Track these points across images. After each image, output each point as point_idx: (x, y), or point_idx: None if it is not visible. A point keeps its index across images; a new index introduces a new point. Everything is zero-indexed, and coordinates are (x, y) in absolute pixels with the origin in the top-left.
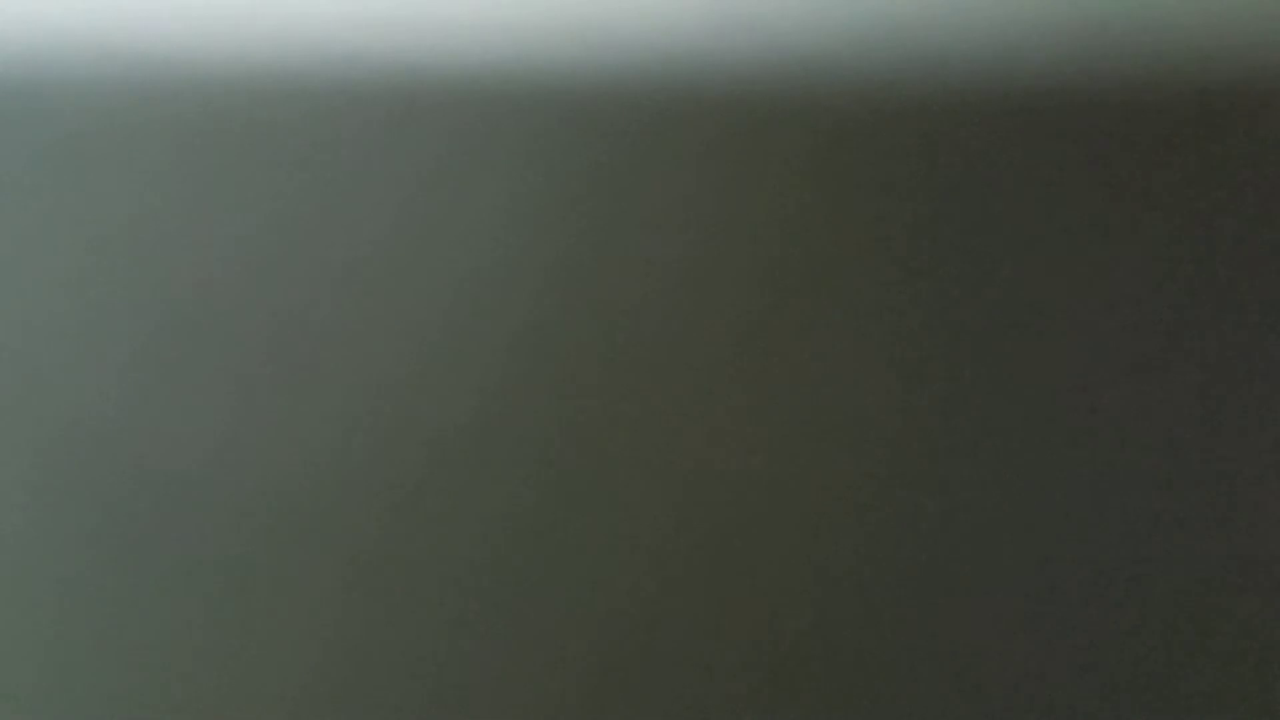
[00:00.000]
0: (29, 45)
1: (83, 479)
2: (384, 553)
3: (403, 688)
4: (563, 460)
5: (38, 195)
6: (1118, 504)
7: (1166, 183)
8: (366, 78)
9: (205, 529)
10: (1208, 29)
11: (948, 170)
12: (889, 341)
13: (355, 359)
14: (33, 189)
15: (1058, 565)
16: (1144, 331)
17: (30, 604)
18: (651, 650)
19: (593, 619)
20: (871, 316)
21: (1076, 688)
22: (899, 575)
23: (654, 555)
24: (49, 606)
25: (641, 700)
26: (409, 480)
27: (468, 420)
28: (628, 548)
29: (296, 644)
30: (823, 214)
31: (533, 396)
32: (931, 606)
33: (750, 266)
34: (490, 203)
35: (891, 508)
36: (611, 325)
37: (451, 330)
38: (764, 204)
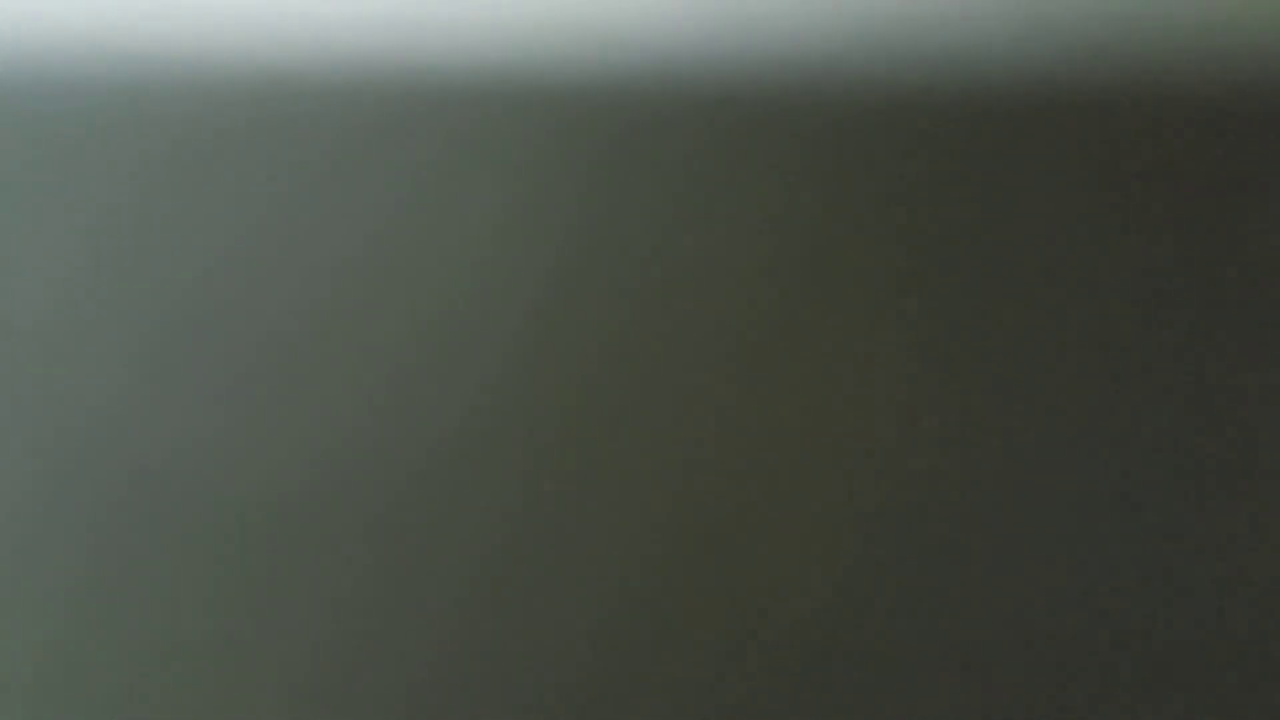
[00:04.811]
0: (29, 45)
1: (81, 477)
2: (383, 551)
3: (401, 688)
4: (562, 459)
5: (38, 195)
6: (1117, 503)
7: (1167, 183)
8: (366, 78)
9: (203, 528)
10: (1208, 29)
11: (947, 170)
12: (888, 340)
13: (355, 358)
14: (33, 189)
15: (1057, 565)
16: (1144, 330)
17: (29, 603)
18: (651, 649)
19: (592, 619)
20: (871, 315)
21: (1076, 687)
22: (899, 574)
23: (653, 554)
24: (48, 606)
25: (641, 700)
26: (409, 479)
27: (467, 419)
28: (627, 546)
29: (296, 643)
30: (822, 214)
31: (532, 395)
32: (931, 605)
33: (750, 265)
34: (490, 203)
35: (891, 506)
36: (611, 324)
37: (451, 329)
38: (764, 204)
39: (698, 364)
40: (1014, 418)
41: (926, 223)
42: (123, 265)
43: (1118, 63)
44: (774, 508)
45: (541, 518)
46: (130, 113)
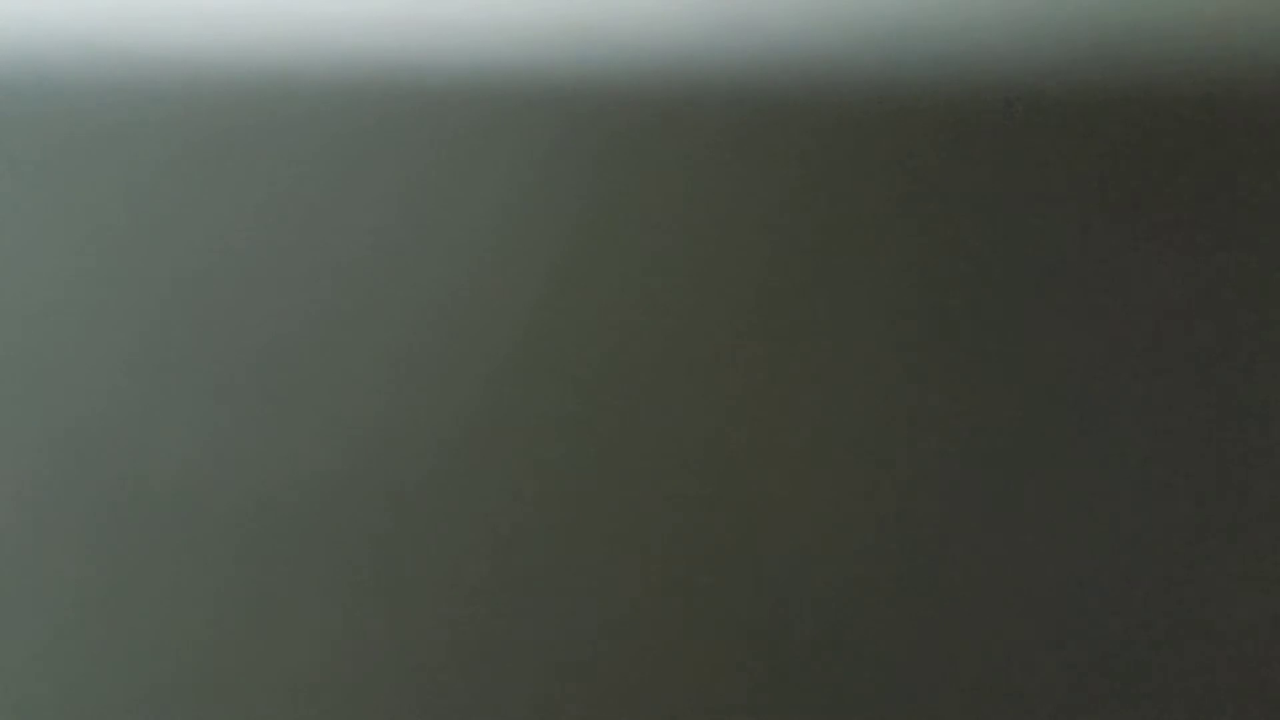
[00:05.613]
0: (29, 45)
1: (79, 478)
2: (382, 554)
3: (402, 692)
4: (563, 460)
5: (38, 195)
6: (1120, 502)
7: (1167, 182)
8: (366, 78)
9: (203, 531)
10: (1208, 29)
11: (947, 170)
12: (888, 340)
13: (355, 359)
14: (33, 189)
15: (1057, 565)
16: (1143, 330)
17: (28, 606)
18: (651, 650)
19: (591, 621)
20: (870, 315)
21: (1075, 687)
22: (899, 574)
23: (653, 555)
24: (47, 609)
25: (642, 699)
26: (409, 481)
27: (468, 419)
28: (627, 547)
29: (295, 646)
30: (822, 213)
31: (533, 395)
32: (931, 606)
33: (750, 265)
34: (490, 203)
35: (891, 506)
36: (611, 324)
37: (451, 330)
38: (764, 204)
39: (699, 363)
40: (1015, 416)
41: (927, 222)
42: (122, 265)
43: (1117, 63)
44: (776, 506)
45: (542, 519)
46: (130, 113)
